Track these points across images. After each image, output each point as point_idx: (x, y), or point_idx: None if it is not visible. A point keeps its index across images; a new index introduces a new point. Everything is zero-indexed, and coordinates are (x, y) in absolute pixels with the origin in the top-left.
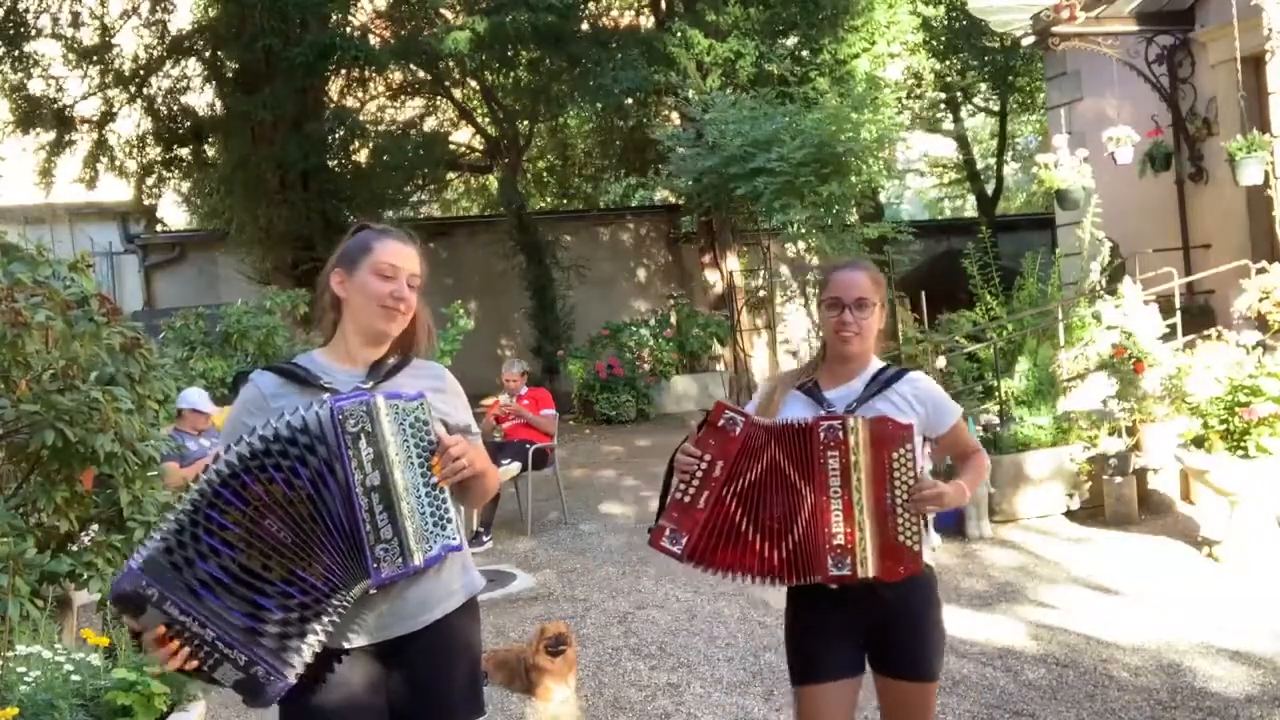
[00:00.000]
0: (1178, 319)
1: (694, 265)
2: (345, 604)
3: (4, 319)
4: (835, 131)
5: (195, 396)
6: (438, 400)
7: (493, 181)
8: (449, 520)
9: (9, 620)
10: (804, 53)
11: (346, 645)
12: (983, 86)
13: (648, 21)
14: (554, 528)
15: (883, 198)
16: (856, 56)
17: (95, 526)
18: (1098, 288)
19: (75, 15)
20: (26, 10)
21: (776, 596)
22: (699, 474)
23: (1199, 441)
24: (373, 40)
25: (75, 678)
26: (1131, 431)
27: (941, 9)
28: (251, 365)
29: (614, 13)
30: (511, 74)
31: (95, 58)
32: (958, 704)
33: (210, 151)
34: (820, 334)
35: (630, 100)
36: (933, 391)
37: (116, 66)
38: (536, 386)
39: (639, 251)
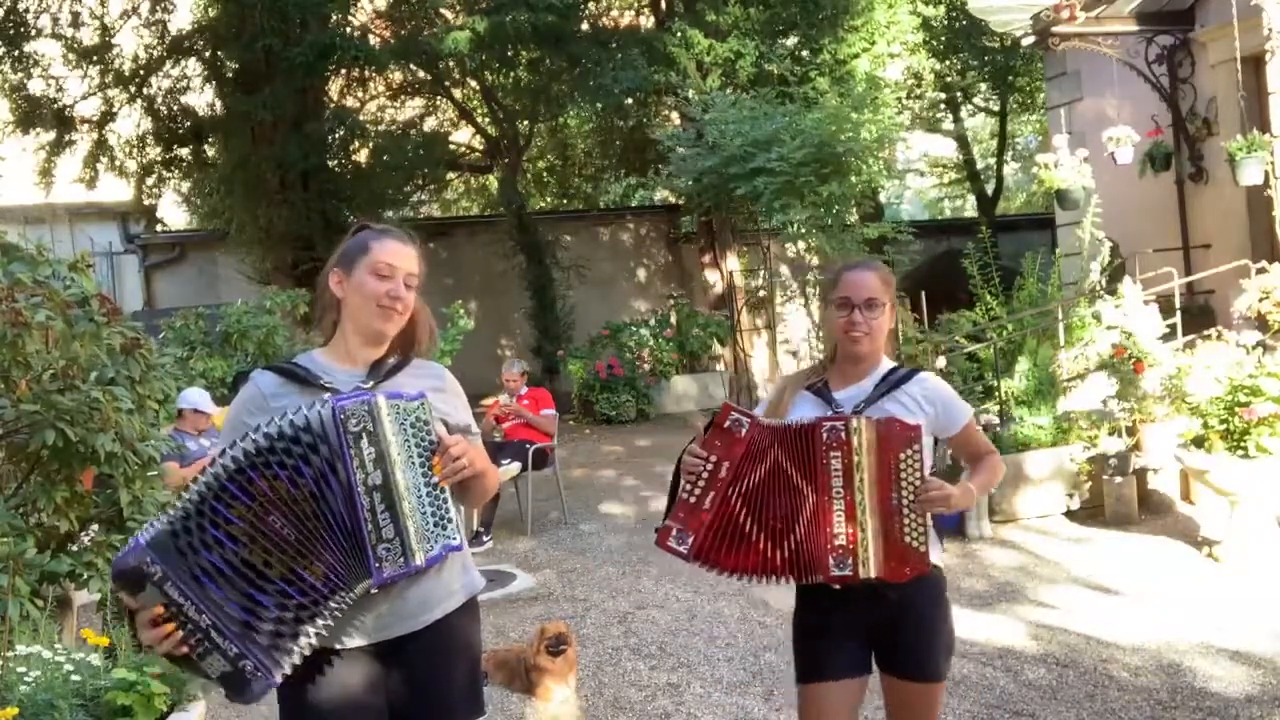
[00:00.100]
0: (1178, 319)
1: (694, 265)
2: (345, 604)
3: (4, 319)
4: (835, 131)
5: (196, 397)
6: (438, 400)
7: (493, 181)
8: (449, 520)
9: (9, 620)
10: (804, 53)
11: (346, 645)
12: (983, 86)
13: (648, 21)
14: (554, 528)
15: (883, 198)
16: (856, 56)
17: (95, 526)
18: (1098, 288)
19: (75, 15)
20: (26, 10)
21: (776, 596)
22: (705, 475)
23: (1199, 441)
24: (373, 40)
25: (75, 678)
26: (1131, 431)
27: (941, 9)
28: (251, 365)
29: (614, 13)
30: (511, 74)
31: (95, 58)
32: (958, 704)
33: (210, 151)
34: (820, 334)
35: (630, 100)
36: (943, 392)
37: (116, 66)
38: (536, 386)
39: (639, 251)
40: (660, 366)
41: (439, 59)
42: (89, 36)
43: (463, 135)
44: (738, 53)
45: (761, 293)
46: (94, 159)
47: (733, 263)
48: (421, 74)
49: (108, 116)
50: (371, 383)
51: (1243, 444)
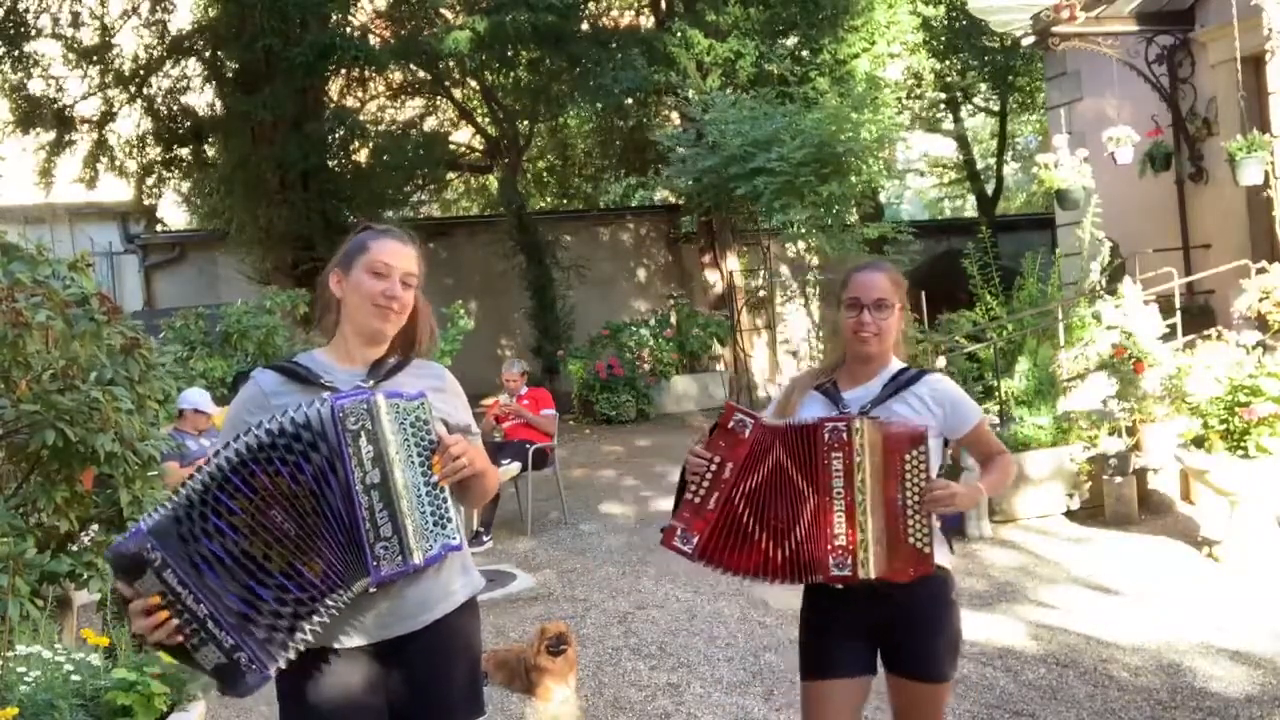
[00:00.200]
0: (1178, 319)
1: (694, 265)
2: (343, 602)
3: (4, 319)
4: (835, 131)
5: (196, 397)
6: (438, 400)
7: (493, 181)
8: (449, 520)
9: (9, 620)
10: (804, 53)
11: (346, 644)
12: (983, 86)
13: (648, 21)
14: (554, 528)
15: (883, 198)
16: (856, 56)
17: (95, 526)
18: (1098, 288)
19: (75, 15)
20: (26, 10)
21: (776, 596)
22: (709, 475)
23: (1199, 441)
24: (373, 40)
25: (75, 678)
26: (1131, 431)
27: (941, 9)
28: (251, 365)
29: (614, 13)
30: (511, 74)
31: (95, 58)
32: (958, 704)
33: (210, 151)
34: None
35: (630, 100)
36: (952, 393)
37: (116, 66)
38: (536, 386)
39: (639, 251)
40: (660, 366)
41: (439, 59)
42: (89, 36)
43: (463, 135)
44: (738, 53)
45: (761, 293)
46: (94, 159)
47: (733, 263)
48: (421, 74)
49: (108, 116)
50: (371, 382)
51: (1243, 444)
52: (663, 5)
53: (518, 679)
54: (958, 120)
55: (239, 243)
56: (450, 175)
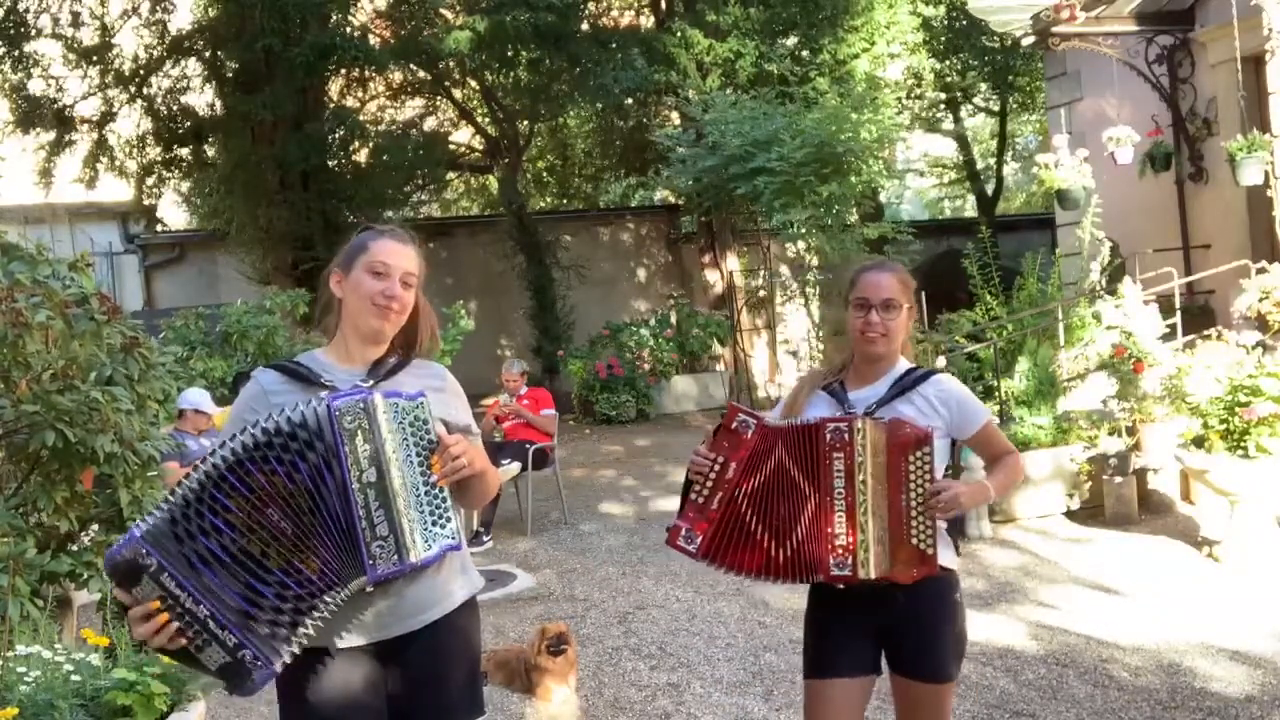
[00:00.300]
0: (1178, 319)
1: (694, 265)
2: (340, 600)
3: (4, 319)
4: (835, 131)
5: (197, 397)
6: (438, 400)
7: (493, 181)
8: (448, 519)
9: (9, 620)
10: (804, 53)
11: (346, 644)
12: (983, 86)
13: (648, 21)
14: (554, 528)
15: (883, 198)
16: (856, 56)
17: (95, 526)
18: (1098, 288)
19: (75, 15)
20: (26, 10)
21: (776, 596)
22: (712, 476)
23: (1199, 441)
24: (373, 40)
25: (75, 678)
26: (1131, 431)
27: (941, 9)
28: (251, 365)
29: (614, 13)
30: (511, 74)
31: (95, 58)
32: (958, 704)
33: (210, 151)
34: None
35: (630, 100)
36: (958, 394)
37: (116, 66)
38: (536, 386)
39: (639, 251)
40: (660, 366)
41: (439, 59)
42: (89, 36)
43: (463, 135)
44: (738, 53)
45: (761, 293)
46: (94, 159)
47: (733, 263)
48: (421, 74)
49: (108, 116)
50: (371, 382)
51: (1243, 444)
52: (663, 5)
53: (518, 679)
54: (958, 120)
55: (239, 243)
56: (450, 175)
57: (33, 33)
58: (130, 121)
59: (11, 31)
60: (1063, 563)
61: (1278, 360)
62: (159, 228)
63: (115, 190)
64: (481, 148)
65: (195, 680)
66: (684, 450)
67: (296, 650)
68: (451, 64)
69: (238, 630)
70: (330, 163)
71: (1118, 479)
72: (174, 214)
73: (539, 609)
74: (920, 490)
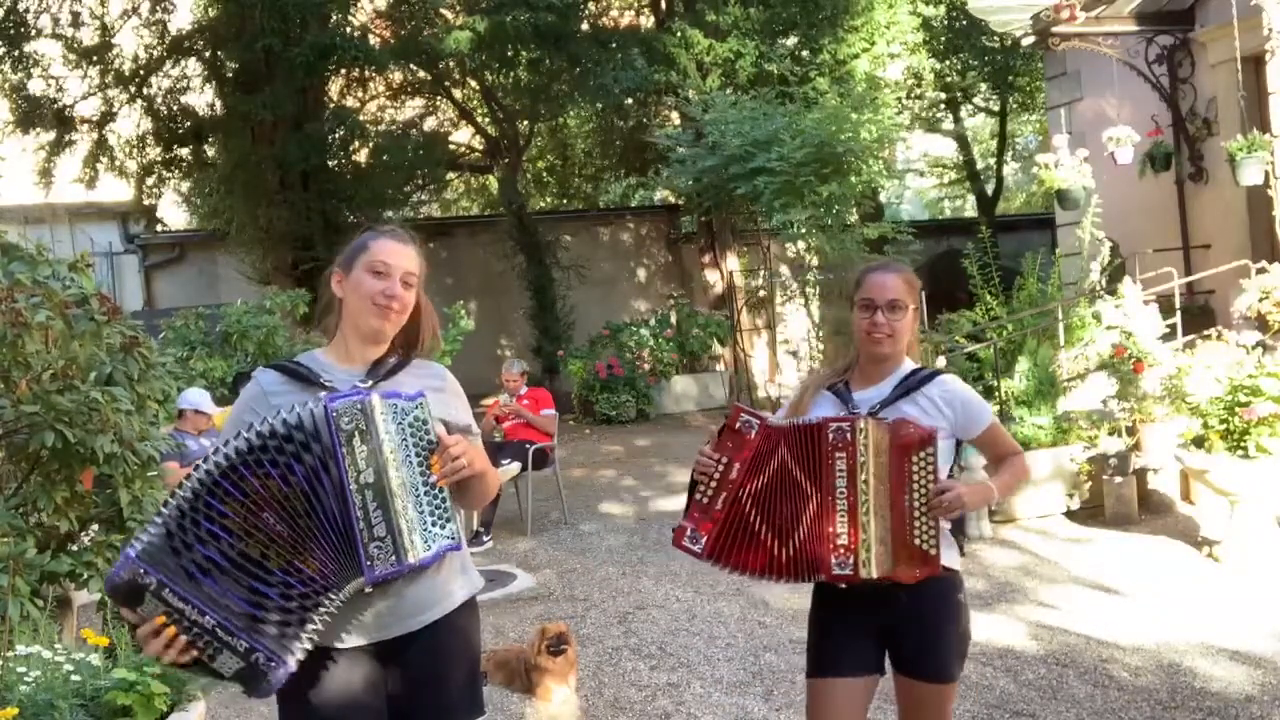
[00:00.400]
0: (1178, 319)
1: (694, 265)
2: (340, 601)
3: (4, 319)
4: (835, 131)
5: (197, 397)
6: (438, 400)
7: (493, 181)
8: (448, 519)
9: (9, 620)
10: (804, 53)
11: (346, 644)
12: (983, 86)
13: (648, 21)
14: (554, 528)
15: (883, 198)
16: (856, 56)
17: (95, 526)
18: (1098, 288)
19: (75, 15)
20: (26, 10)
21: (776, 596)
22: (716, 476)
23: (1199, 441)
24: (373, 40)
25: (75, 678)
26: (1131, 431)
27: (941, 9)
28: (251, 365)
29: (614, 13)
30: (511, 74)
31: (95, 58)
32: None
33: (210, 151)
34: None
35: (630, 100)
36: (963, 394)
37: (116, 66)
38: (536, 386)
39: (639, 251)
40: (660, 366)
41: (439, 59)
42: (89, 36)
43: (463, 135)
44: (738, 53)
45: (761, 293)
46: (94, 159)
47: (733, 263)
48: (421, 74)
49: (108, 116)
50: (370, 382)
51: (1243, 444)
52: (663, 5)
53: (518, 679)
54: (958, 120)
55: (239, 243)
56: (450, 175)
57: (33, 33)
58: (130, 121)
59: (11, 31)
60: (1063, 563)
61: (1278, 360)
62: (159, 228)
63: (115, 190)
64: (481, 148)
65: (195, 680)
66: (684, 450)
67: (309, 646)
68: (451, 64)
69: (246, 635)
70: (330, 163)
71: (1118, 479)
72: (174, 214)
73: (539, 609)
74: (923, 490)
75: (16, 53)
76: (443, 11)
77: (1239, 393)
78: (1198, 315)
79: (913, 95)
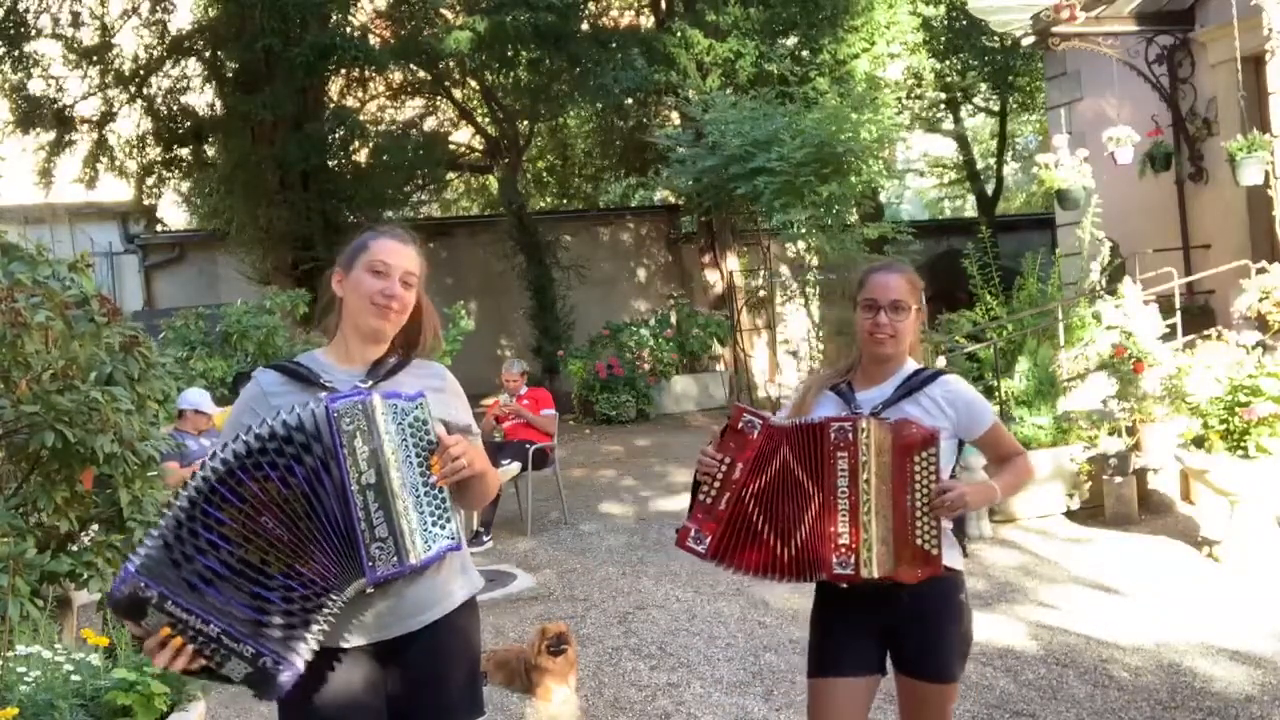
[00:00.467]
0: (1178, 319)
1: (694, 265)
2: (341, 602)
3: (4, 319)
4: (835, 131)
5: (197, 397)
6: (438, 400)
7: (493, 181)
8: (448, 520)
9: (9, 620)
10: (804, 53)
11: (346, 645)
12: (983, 86)
13: (648, 21)
14: (554, 528)
15: (883, 198)
16: (856, 56)
17: (95, 526)
18: (1098, 288)
19: (75, 15)
20: (26, 10)
21: (776, 596)
22: (719, 476)
23: (1199, 441)
24: (373, 40)
25: (75, 678)
26: (1131, 431)
27: (941, 9)
28: (251, 365)
29: (614, 13)
30: (511, 74)
31: (95, 58)
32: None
33: (210, 151)
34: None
35: (630, 100)
36: (965, 395)
37: (116, 66)
38: (536, 386)
39: (639, 251)
40: (660, 366)
41: (439, 59)
42: (89, 36)
43: (463, 135)
44: (738, 53)
45: (761, 293)
46: (94, 159)
47: (733, 263)
48: (421, 74)
49: (108, 116)
50: (370, 382)
51: (1243, 444)
52: (663, 5)
53: (518, 679)
54: (958, 120)
55: (239, 243)
56: (450, 175)
57: (33, 33)
58: (130, 121)
59: (11, 31)
60: (1063, 563)
61: (1278, 360)
62: (159, 228)
63: (115, 190)
64: (481, 148)
65: (194, 680)
66: (684, 450)
67: (315, 646)
68: (451, 64)
69: (252, 640)
70: (330, 163)
71: (1118, 479)
72: (174, 214)
73: (539, 609)
74: (925, 490)
75: (16, 53)
76: (443, 11)
77: (1239, 393)
78: (1198, 315)
79: (913, 95)
